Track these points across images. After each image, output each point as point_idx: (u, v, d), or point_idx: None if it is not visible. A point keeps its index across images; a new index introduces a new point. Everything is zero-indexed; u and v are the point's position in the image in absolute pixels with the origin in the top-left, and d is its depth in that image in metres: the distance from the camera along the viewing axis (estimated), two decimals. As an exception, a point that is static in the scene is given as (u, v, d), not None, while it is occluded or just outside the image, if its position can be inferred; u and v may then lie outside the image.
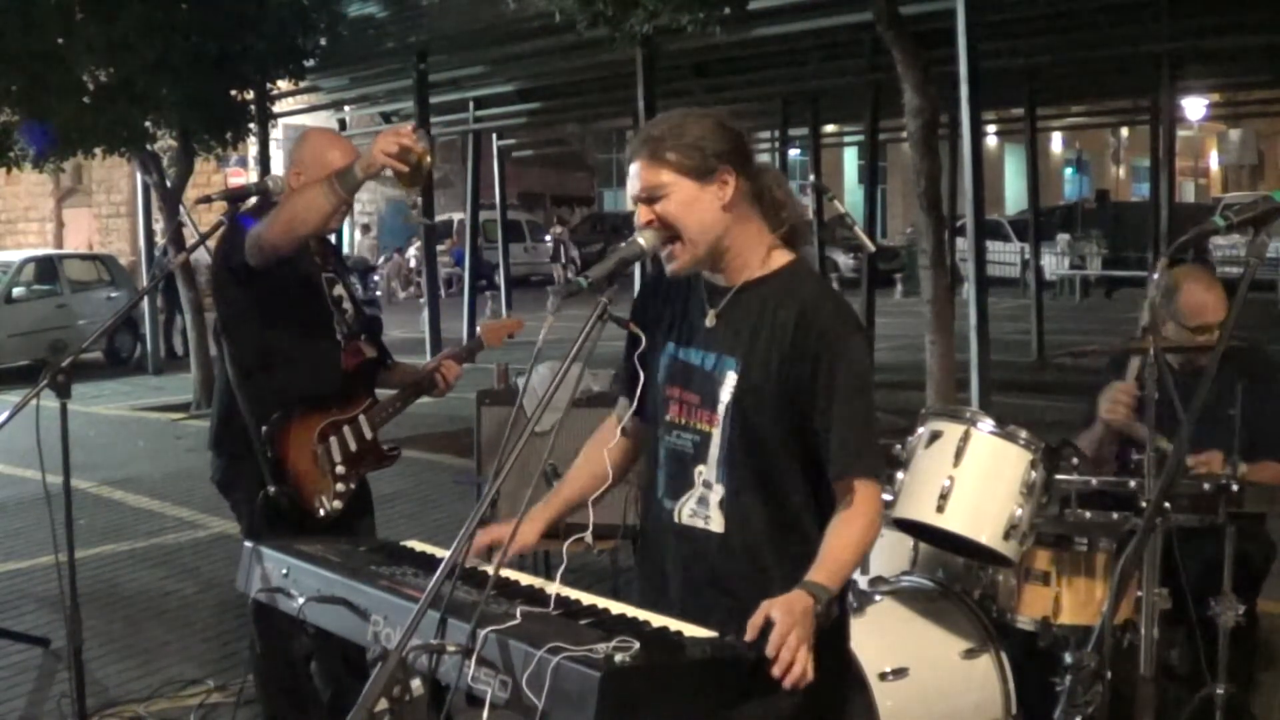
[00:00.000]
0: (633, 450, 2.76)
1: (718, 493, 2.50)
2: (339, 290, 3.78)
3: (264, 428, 3.57)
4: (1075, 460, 3.58)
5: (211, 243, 3.69)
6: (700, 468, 2.52)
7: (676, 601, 2.49)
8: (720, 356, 2.50)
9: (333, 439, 3.67)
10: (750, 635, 2.17)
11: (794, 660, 2.15)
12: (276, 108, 14.64)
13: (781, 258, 2.53)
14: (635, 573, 2.75)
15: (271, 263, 3.46)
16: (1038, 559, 3.57)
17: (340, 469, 3.67)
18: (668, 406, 2.57)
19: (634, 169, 2.46)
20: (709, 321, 2.53)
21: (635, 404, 2.61)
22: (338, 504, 3.65)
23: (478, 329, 4.29)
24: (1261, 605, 4.03)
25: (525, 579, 2.57)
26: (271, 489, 3.55)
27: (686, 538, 2.53)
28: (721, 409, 2.48)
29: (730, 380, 2.47)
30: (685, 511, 2.54)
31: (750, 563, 2.46)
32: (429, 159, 3.16)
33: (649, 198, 2.43)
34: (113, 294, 16.91)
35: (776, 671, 2.13)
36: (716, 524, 2.50)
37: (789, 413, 2.43)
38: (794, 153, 24.24)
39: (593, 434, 2.80)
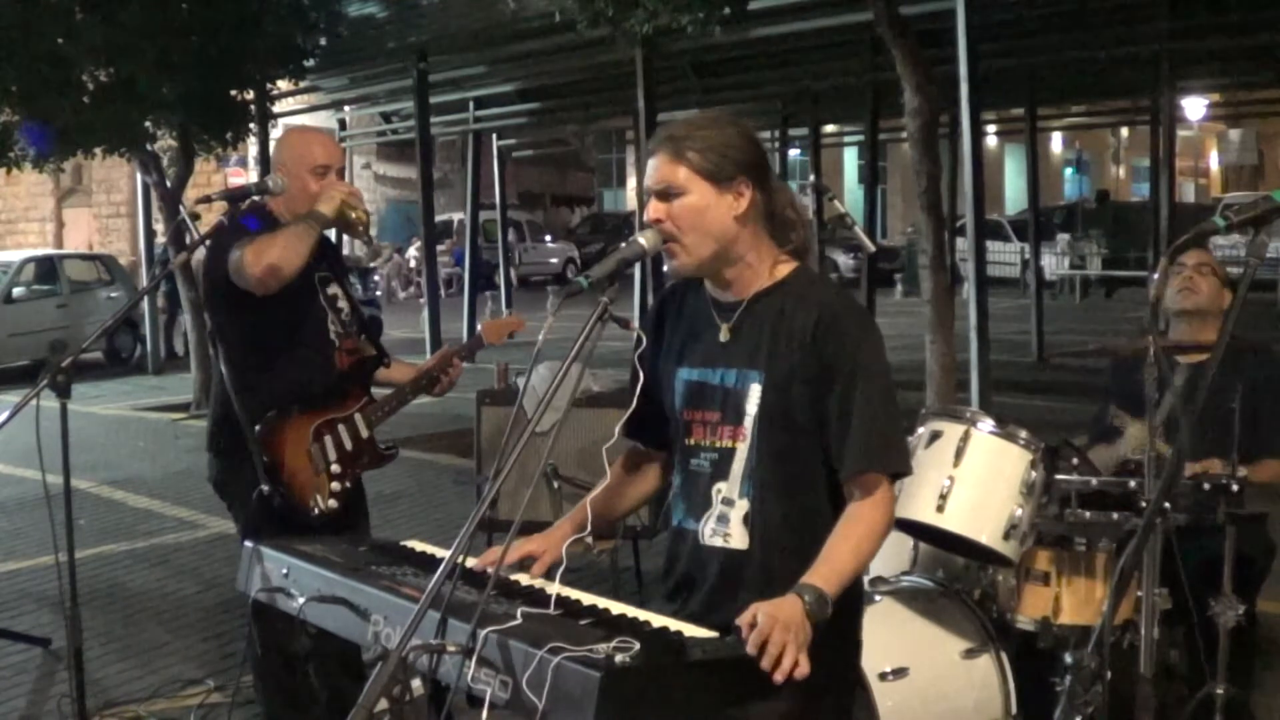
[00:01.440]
0: (654, 480, 2.77)
1: (740, 508, 2.48)
2: (334, 289, 3.78)
3: (257, 427, 3.58)
4: (1075, 460, 3.59)
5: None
6: (720, 485, 2.50)
7: (701, 618, 2.45)
8: (741, 371, 2.48)
9: (327, 438, 3.66)
10: (745, 635, 2.17)
11: (781, 655, 2.14)
12: (276, 108, 14.65)
13: (787, 267, 2.53)
14: (658, 590, 2.73)
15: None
16: (1038, 559, 3.57)
17: (335, 468, 3.66)
18: (690, 430, 2.55)
19: (653, 162, 2.46)
20: (723, 336, 2.52)
21: (631, 427, 2.62)
22: (333, 503, 3.64)
23: (478, 327, 4.29)
24: (1261, 605, 4.03)
25: (525, 579, 2.57)
26: (265, 489, 3.55)
27: (710, 558, 2.52)
28: (749, 422, 2.46)
29: (755, 393, 2.46)
30: (706, 532, 2.52)
31: (773, 573, 2.44)
32: (366, 216, 3.75)
33: (663, 193, 2.43)
34: (113, 294, 16.91)
35: (765, 665, 2.13)
36: (739, 540, 2.48)
37: (815, 419, 2.43)
38: (794, 153, 24.27)
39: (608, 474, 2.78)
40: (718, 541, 2.50)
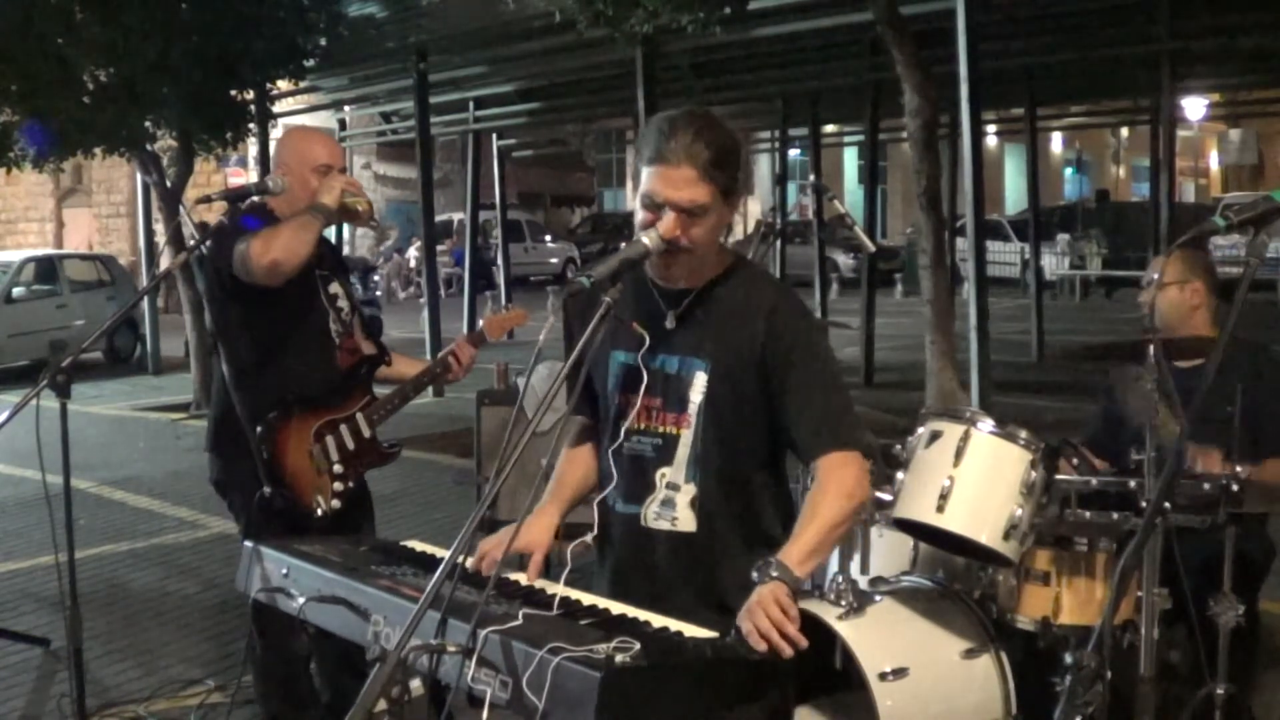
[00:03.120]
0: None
1: (687, 492, 2.52)
2: (334, 288, 3.78)
3: (259, 428, 3.57)
4: (1075, 460, 3.58)
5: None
6: (663, 470, 2.54)
7: (647, 603, 2.47)
8: (685, 359, 2.52)
9: (329, 438, 3.67)
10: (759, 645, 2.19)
11: (776, 629, 2.18)
12: (276, 108, 14.64)
13: (729, 257, 2.58)
14: (595, 579, 2.74)
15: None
16: (1038, 559, 3.57)
17: (338, 468, 3.66)
18: (625, 413, 2.57)
19: (678, 174, 2.40)
20: (669, 323, 2.55)
21: (578, 405, 2.66)
22: (336, 503, 3.64)
23: (480, 322, 4.30)
24: (1261, 605, 4.03)
25: (526, 579, 2.57)
26: (267, 489, 3.55)
27: (653, 541, 2.55)
28: (693, 409, 2.50)
29: (700, 381, 2.50)
30: (649, 515, 2.55)
31: (721, 557, 2.50)
32: (369, 204, 3.75)
33: (690, 211, 2.42)
34: (113, 294, 16.92)
35: (781, 648, 2.16)
36: (686, 523, 2.52)
37: (763, 406, 2.48)
38: (794, 153, 24.23)
39: (564, 447, 2.80)
40: (664, 525, 2.54)
